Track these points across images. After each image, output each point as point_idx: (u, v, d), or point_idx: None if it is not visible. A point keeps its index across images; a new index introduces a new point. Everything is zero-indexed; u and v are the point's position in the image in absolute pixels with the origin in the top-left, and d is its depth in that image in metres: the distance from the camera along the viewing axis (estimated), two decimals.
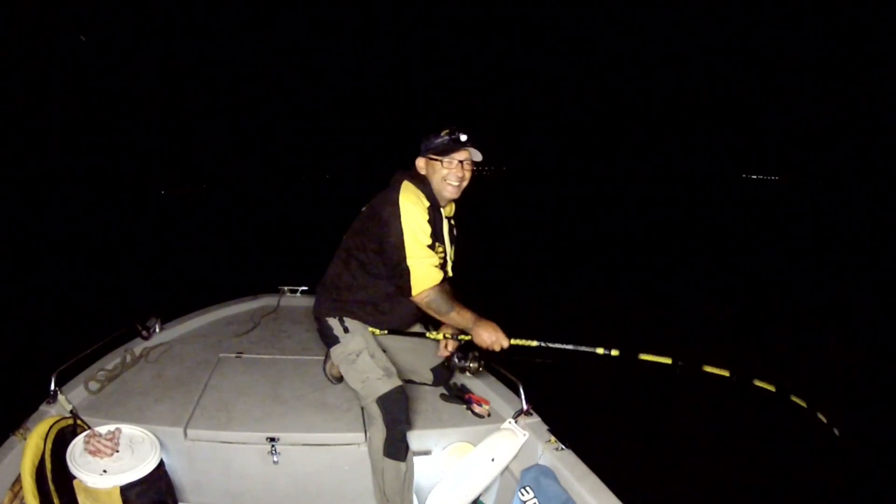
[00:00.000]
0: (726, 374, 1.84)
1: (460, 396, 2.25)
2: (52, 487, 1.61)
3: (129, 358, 2.38)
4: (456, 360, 2.21)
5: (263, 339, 2.76)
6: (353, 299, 2.11)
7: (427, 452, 2.10)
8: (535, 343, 1.92)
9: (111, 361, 2.32)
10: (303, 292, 3.24)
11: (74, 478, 1.66)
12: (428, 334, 2.16)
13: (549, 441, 1.90)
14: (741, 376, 1.87)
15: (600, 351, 1.88)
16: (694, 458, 3.28)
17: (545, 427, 1.99)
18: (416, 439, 2.05)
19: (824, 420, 1.86)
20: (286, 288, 3.27)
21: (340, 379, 2.25)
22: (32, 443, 1.64)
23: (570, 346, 1.89)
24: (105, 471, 1.67)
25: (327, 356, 2.27)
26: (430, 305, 2.00)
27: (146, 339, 2.59)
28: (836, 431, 1.85)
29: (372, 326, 2.13)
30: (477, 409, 2.17)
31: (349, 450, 2.03)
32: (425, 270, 1.96)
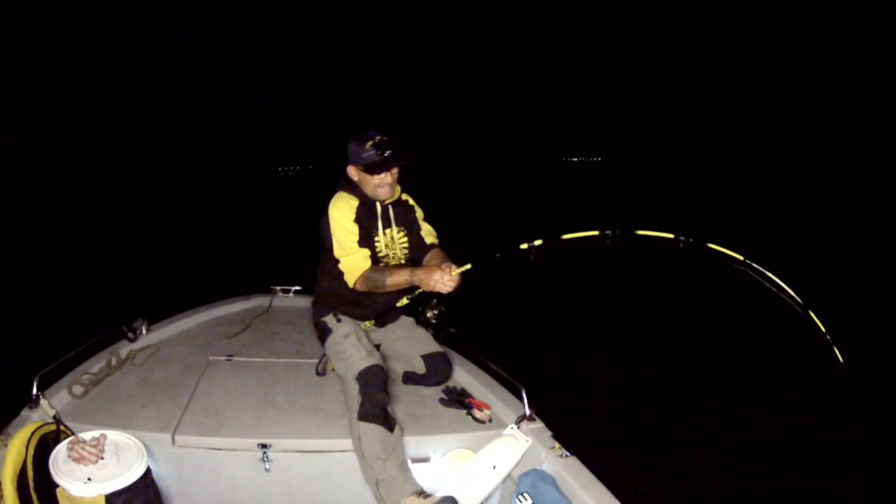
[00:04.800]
0: (740, 257, 1.78)
1: (460, 401, 2.20)
2: (34, 496, 1.55)
3: (114, 361, 2.32)
4: (418, 317, 2.34)
5: (255, 342, 2.70)
6: (337, 301, 2.33)
7: (425, 459, 2.05)
8: (469, 266, 2.06)
9: (96, 364, 2.26)
10: (296, 292, 3.17)
11: (57, 486, 1.59)
12: (398, 303, 2.26)
13: (553, 447, 1.85)
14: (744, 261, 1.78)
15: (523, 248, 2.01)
16: (702, 465, 3.22)
17: (549, 433, 1.94)
18: (413, 445, 2.00)
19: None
20: (278, 288, 3.19)
21: (323, 372, 2.36)
22: (14, 449, 1.59)
23: (498, 254, 2.04)
24: (89, 478, 1.60)
25: (324, 355, 2.33)
26: (368, 287, 2.20)
27: (132, 341, 2.51)
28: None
29: (361, 321, 2.32)
30: (477, 413, 2.12)
31: (344, 457, 1.97)
32: (351, 264, 2.21)
